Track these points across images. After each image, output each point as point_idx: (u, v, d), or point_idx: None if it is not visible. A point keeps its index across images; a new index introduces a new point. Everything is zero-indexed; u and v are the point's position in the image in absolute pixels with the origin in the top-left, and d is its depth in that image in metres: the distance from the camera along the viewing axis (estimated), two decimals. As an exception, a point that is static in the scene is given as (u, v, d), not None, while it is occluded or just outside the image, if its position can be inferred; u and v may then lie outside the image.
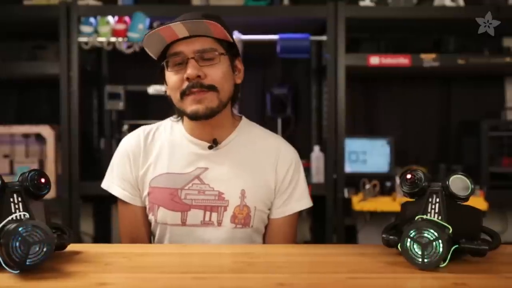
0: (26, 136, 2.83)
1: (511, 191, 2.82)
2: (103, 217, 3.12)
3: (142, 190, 1.43)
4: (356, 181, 2.72)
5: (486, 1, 2.77)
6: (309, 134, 3.12)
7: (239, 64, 1.43)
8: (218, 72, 1.34)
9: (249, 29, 2.76)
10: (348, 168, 2.86)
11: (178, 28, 1.30)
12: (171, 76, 1.35)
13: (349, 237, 2.96)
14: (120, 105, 2.82)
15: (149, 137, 1.46)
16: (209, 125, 1.38)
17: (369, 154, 2.95)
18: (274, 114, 3.01)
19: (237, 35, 2.72)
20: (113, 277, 0.97)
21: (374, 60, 2.66)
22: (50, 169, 2.71)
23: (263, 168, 1.42)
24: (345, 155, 2.82)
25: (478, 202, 2.63)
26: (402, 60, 2.66)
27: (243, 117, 1.50)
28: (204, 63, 1.33)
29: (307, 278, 0.96)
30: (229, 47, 1.38)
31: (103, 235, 3.08)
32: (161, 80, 1.43)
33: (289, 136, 3.05)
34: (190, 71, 1.31)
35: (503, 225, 3.16)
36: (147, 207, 1.43)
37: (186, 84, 1.33)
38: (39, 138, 2.80)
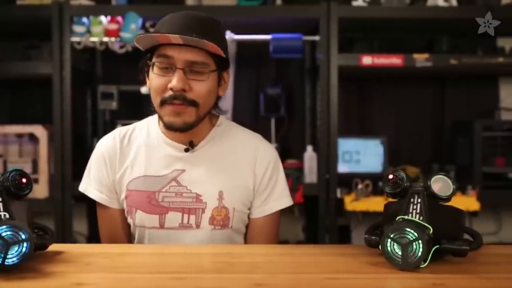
0: (19, 136, 2.83)
1: (505, 191, 2.82)
2: (97, 217, 3.11)
3: (119, 193, 1.42)
4: (349, 181, 2.72)
5: (479, 1, 2.76)
6: (303, 134, 3.12)
7: (226, 77, 1.39)
8: (204, 89, 1.30)
9: (242, 29, 2.76)
10: (342, 168, 2.86)
11: (174, 36, 1.25)
12: (155, 78, 1.31)
13: (343, 237, 2.97)
14: (114, 105, 2.82)
15: (126, 140, 1.44)
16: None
17: (362, 154, 2.95)
18: (267, 114, 3.01)
19: (230, 35, 2.72)
20: (92, 277, 0.97)
21: (367, 60, 2.66)
22: (43, 169, 2.71)
23: (241, 168, 1.41)
24: (339, 155, 2.82)
25: (471, 202, 2.63)
26: (395, 60, 2.66)
27: (221, 116, 1.47)
28: (191, 76, 1.29)
29: (286, 279, 0.96)
30: (220, 61, 1.34)
31: (97, 235, 3.07)
32: (143, 74, 1.39)
33: (283, 136, 3.06)
34: (176, 83, 1.27)
35: (497, 225, 3.16)
36: (125, 210, 1.42)
37: (168, 93, 1.29)
38: (33, 138, 2.80)
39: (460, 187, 2.74)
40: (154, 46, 1.32)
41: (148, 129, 1.45)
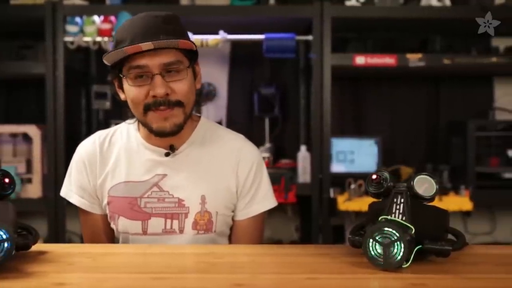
0: (13, 135, 2.83)
1: (499, 191, 2.82)
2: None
3: (101, 199, 1.41)
4: (344, 181, 2.72)
5: (472, 1, 2.76)
6: (297, 134, 3.11)
7: (197, 68, 1.38)
8: (185, 87, 1.29)
9: (236, 29, 2.76)
10: (336, 168, 2.86)
11: (146, 44, 1.23)
12: (132, 90, 1.28)
13: (337, 237, 2.96)
14: (107, 104, 2.82)
15: (105, 144, 1.42)
16: None
17: (356, 154, 2.95)
18: (262, 113, 3.01)
19: (223, 35, 2.72)
20: (73, 277, 0.97)
21: (360, 60, 2.65)
22: (37, 169, 2.71)
23: (223, 171, 1.40)
24: (333, 155, 2.82)
25: (464, 202, 2.63)
26: (388, 60, 2.66)
27: (202, 118, 1.45)
28: (170, 78, 1.28)
29: (266, 279, 0.96)
30: (191, 55, 1.33)
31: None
32: (114, 87, 1.36)
33: (277, 136, 3.06)
34: (159, 89, 1.25)
35: (492, 225, 3.16)
36: (108, 215, 1.41)
37: (151, 99, 1.27)
38: (26, 137, 2.80)
39: (454, 187, 2.74)
40: (122, 59, 1.27)
41: (128, 132, 1.43)
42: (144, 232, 1.36)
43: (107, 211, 1.40)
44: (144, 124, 1.33)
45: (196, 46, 1.33)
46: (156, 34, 1.25)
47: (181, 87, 1.29)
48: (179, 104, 1.29)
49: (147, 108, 1.28)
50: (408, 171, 2.84)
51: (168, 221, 1.35)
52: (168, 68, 1.28)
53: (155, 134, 1.32)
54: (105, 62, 1.30)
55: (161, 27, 1.27)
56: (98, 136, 1.44)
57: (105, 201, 1.40)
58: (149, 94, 1.27)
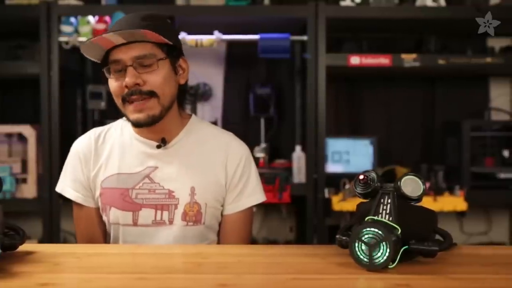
0: (8, 135, 2.83)
1: (494, 191, 2.82)
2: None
3: (94, 191, 1.45)
4: (339, 181, 2.72)
5: (467, 1, 2.76)
6: (293, 134, 3.11)
7: (183, 64, 1.43)
8: (157, 78, 1.34)
9: (231, 29, 2.76)
10: (331, 168, 2.86)
11: (113, 37, 1.29)
12: (111, 83, 1.36)
13: (332, 237, 2.94)
14: (102, 104, 2.83)
15: (100, 139, 1.47)
16: (156, 127, 1.39)
17: (352, 154, 2.95)
18: (257, 113, 3.01)
19: (218, 35, 2.72)
20: (58, 277, 0.97)
21: (355, 60, 2.65)
22: (32, 169, 2.71)
23: (212, 165, 1.43)
24: (328, 155, 2.81)
25: (458, 202, 2.63)
26: (383, 60, 2.66)
27: (193, 116, 1.50)
28: (143, 70, 1.33)
29: (252, 279, 0.96)
30: (170, 49, 1.37)
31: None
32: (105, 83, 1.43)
33: (273, 136, 3.06)
34: (128, 79, 1.31)
35: (487, 226, 3.16)
36: (100, 207, 1.44)
37: (126, 91, 1.33)
38: (22, 137, 2.80)
39: (449, 187, 2.74)
40: (106, 55, 1.35)
41: (122, 128, 1.48)
42: (135, 223, 1.39)
43: (99, 203, 1.44)
44: (125, 116, 1.38)
45: (175, 43, 1.38)
46: (127, 28, 1.30)
47: (153, 78, 1.33)
48: (152, 94, 1.33)
49: (124, 101, 1.34)
50: (404, 171, 2.83)
51: (158, 212, 1.39)
52: (141, 62, 1.33)
53: (133, 125, 1.39)
54: (88, 57, 1.37)
55: (136, 22, 1.33)
56: (93, 132, 1.50)
57: (97, 193, 1.43)
58: (123, 87, 1.33)
